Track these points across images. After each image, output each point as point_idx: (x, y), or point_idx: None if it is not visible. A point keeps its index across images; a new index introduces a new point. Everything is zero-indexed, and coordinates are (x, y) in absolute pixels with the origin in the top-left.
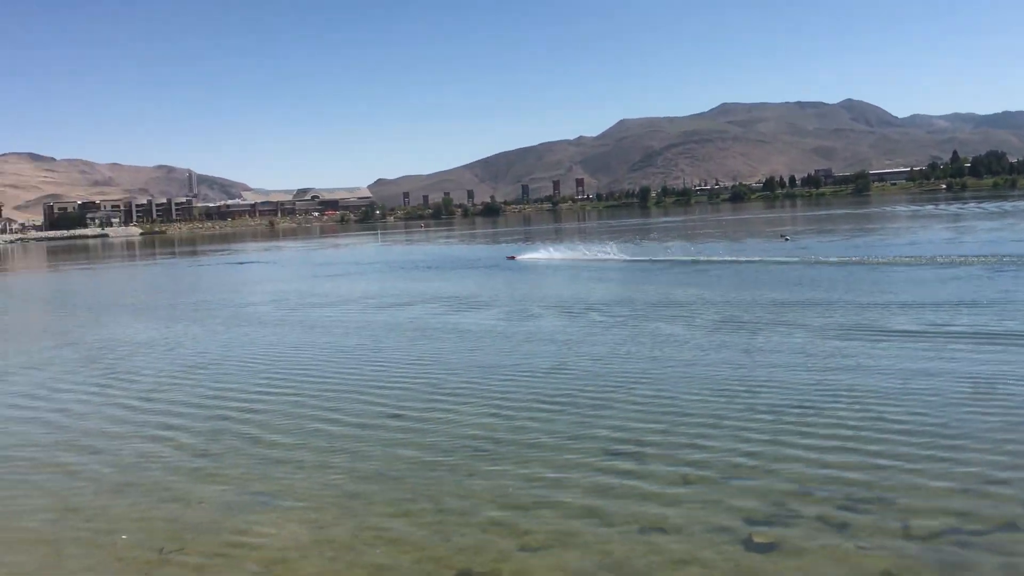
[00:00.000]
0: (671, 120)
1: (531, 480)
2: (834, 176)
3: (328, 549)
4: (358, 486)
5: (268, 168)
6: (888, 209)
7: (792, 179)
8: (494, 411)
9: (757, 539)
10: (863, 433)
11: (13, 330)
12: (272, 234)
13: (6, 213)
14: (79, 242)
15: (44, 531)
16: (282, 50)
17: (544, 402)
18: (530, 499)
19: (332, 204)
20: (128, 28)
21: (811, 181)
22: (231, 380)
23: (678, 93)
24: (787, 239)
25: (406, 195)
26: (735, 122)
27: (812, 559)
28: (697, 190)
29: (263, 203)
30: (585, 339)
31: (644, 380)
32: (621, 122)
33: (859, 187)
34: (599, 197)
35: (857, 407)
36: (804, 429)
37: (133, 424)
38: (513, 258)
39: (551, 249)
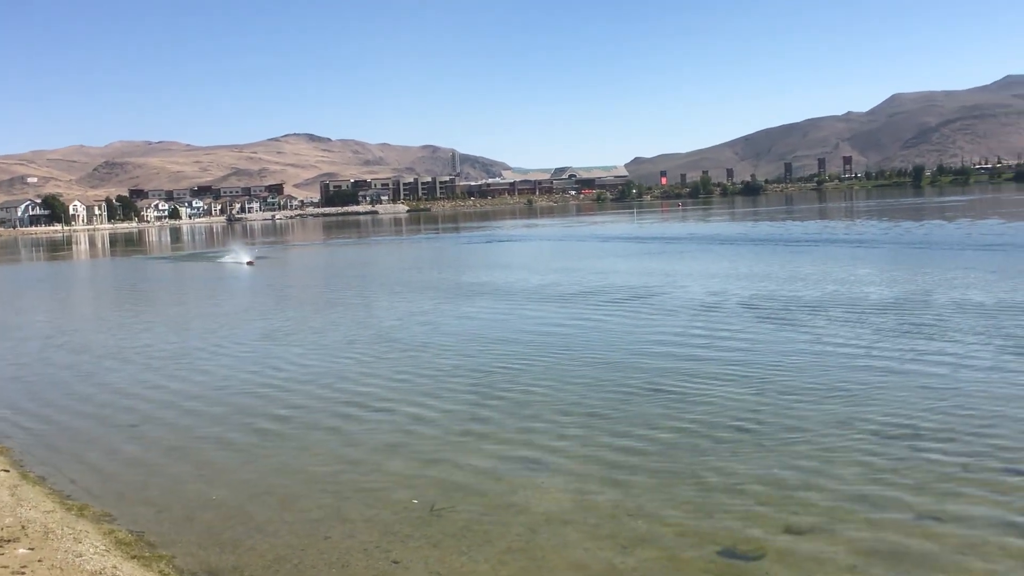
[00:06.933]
0: (949, 94)
1: (797, 462)
2: None
3: (591, 517)
4: (620, 457)
5: (527, 147)
6: None
7: None
8: (757, 391)
9: None
10: None
11: (299, 299)
12: (530, 212)
13: (287, 190)
14: (351, 218)
15: (327, 482)
16: (538, 30)
17: (811, 382)
18: (796, 481)
19: (589, 183)
20: (395, 22)
21: None
22: (496, 350)
23: (957, 65)
24: None
25: (663, 173)
26: (1021, 95)
27: None
28: (977, 169)
29: (521, 182)
30: (853, 323)
31: (916, 365)
32: (893, 96)
33: None
34: (868, 176)
35: None
36: None
37: (405, 389)
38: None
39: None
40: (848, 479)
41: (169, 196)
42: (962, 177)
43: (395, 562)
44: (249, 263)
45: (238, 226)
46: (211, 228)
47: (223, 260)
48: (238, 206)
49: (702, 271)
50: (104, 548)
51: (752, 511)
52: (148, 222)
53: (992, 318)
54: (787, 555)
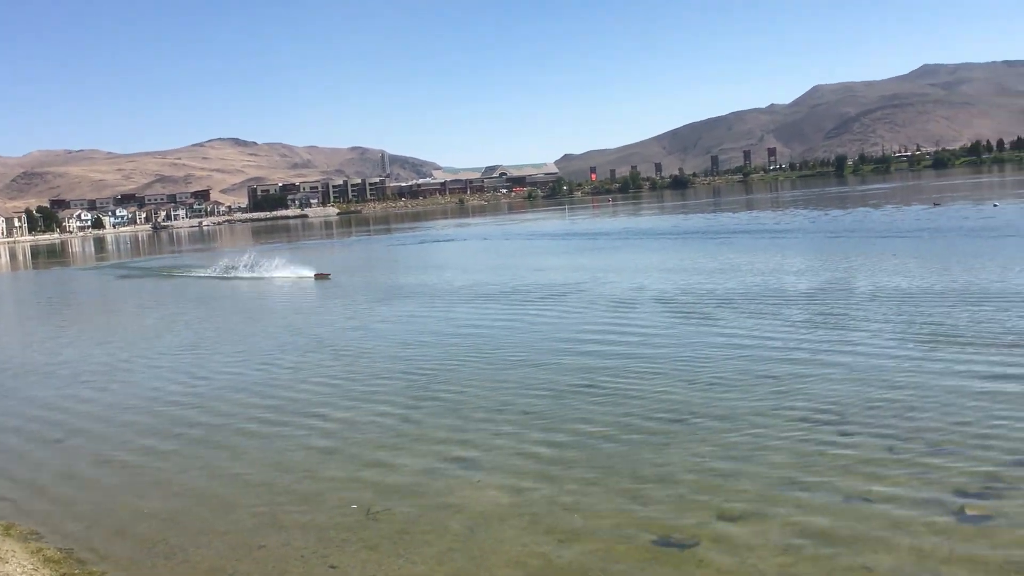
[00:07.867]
0: (868, 84)
1: (729, 450)
2: None
3: (527, 513)
4: (554, 453)
5: (457, 147)
6: None
7: (1000, 143)
8: (689, 381)
9: (970, 511)
10: None
11: (232, 309)
12: (462, 211)
13: (213, 196)
14: (281, 223)
15: (261, 490)
16: (464, 29)
17: (740, 373)
18: (728, 468)
19: (520, 181)
20: (319, 24)
21: (1022, 144)
22: (428, 352)
23: (875, 56)
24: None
25: (593, 170)
26: (937, 84)
27: None
28: (897, 157)
29: (453, 181)
30: (779, 313)
31: (841, 353)
32: (815, 88)
33: None
34: (792, 167)
35: None
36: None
37: (338, 393)
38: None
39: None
40: (778, 465)
41: (92, 205)
42: (883, 165)
43: (333, 567)
44: (319, 276)
45: (164, 234)
46: (136, 237)
47: (282, 275)
48: (163, 214)
49: (632, 266)
50: (32, 567)
51: (686, 500)
52: (71, 232)
53: (914, 304)
54: (721, 541)
